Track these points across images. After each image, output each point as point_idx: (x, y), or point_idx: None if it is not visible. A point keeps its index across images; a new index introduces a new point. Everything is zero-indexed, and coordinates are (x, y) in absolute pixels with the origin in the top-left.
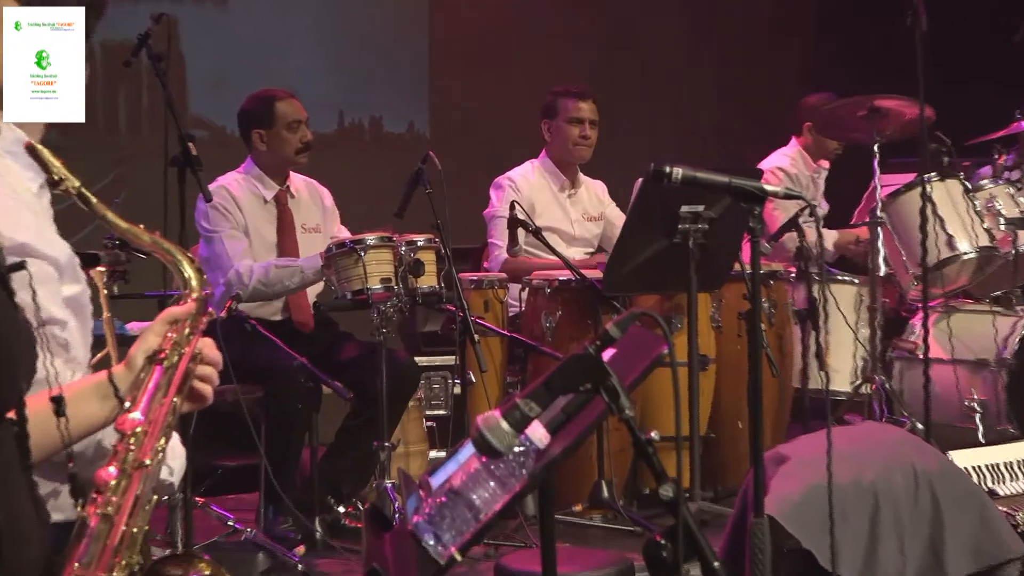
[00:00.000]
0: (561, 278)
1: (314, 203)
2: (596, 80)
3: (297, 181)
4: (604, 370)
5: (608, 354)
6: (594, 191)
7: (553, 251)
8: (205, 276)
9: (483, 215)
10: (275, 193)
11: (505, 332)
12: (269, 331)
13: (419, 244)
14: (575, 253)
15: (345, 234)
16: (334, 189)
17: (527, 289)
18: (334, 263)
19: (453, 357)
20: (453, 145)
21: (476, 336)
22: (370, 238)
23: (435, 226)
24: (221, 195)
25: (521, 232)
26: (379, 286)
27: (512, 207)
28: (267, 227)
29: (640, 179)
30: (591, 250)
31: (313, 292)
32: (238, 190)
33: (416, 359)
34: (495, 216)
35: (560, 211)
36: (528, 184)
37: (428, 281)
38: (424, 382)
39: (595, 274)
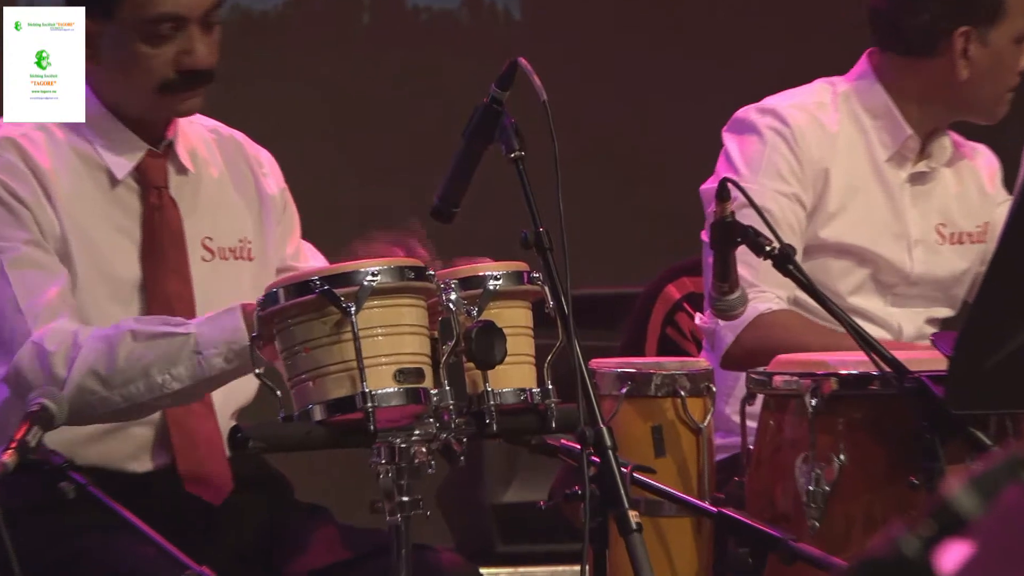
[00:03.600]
0: (845, 372)
1: (235, 184)
2: None
3: (197, 133)
4: None
5: (955, 555)
6: (974, 172)
7: (834, 313)
8: None
9: (700, 193)
10: (138, 162)
11: (707, 506)
12: (119, 501)
13: (492, 285)
14: (907, 318)
15: (315, 261)
16: (286, 152)
17: (762, 396)
18: (283, 331)
19: (576, 568)
20: (576, 36)
21: (634, 516)
22: (372, 270)
23: (532, 242)
24: (5, 161)
25: (750, 257)
26: (393, 389)
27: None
28: (118, 241)
29: None
30: (947, 313)
31: (230, 404)
32: (47, 152)
33: (485, 571)
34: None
35: (887, 213)
36: (822, 136)
37: (514, 379)
38: None
39: (928, 362)
